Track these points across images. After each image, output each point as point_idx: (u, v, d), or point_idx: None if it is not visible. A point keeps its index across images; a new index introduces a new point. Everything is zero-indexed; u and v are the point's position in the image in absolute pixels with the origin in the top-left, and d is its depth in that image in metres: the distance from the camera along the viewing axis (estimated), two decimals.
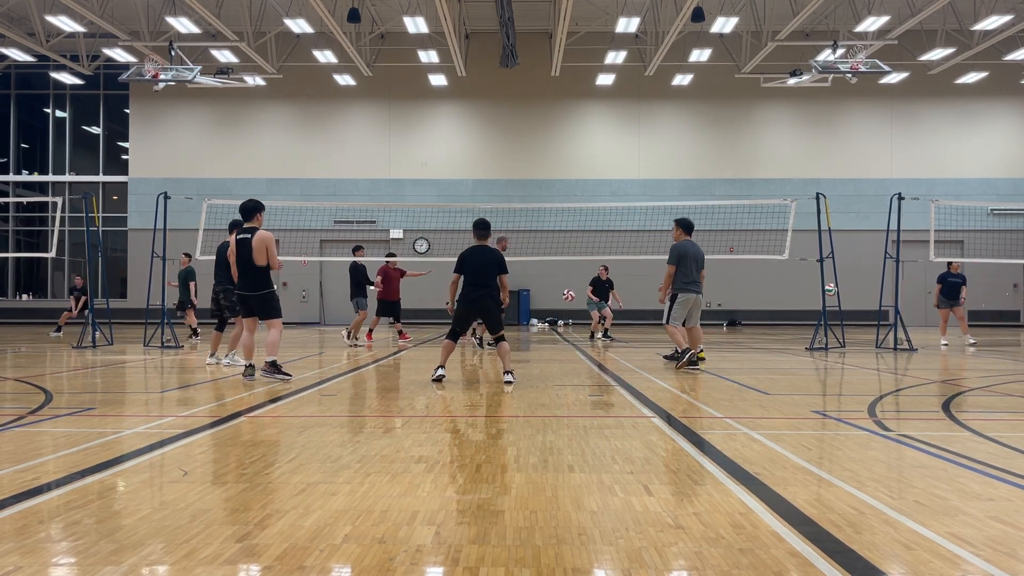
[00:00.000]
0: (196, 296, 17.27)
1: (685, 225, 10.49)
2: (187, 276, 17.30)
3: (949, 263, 16.78)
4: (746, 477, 4.26)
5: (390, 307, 15.86)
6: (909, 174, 26.77)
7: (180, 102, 27.40)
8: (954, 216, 22.83)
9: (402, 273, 16.03)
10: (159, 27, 23.33)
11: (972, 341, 16.01)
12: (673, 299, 10.33)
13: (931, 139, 27.36)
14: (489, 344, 14.05)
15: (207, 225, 16.34)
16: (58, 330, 19.96)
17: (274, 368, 8.87)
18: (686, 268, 10.25)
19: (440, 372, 8.83)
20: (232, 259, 9.14)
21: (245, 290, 8.98)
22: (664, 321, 10.52)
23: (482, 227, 8.99)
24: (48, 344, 16.26)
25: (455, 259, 9.01)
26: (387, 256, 16.79)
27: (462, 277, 8.95)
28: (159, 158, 27.48)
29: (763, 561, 2.93)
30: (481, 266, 8.73)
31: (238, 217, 9.33)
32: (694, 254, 10.35)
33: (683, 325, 10.46)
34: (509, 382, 8.62)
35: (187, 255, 17.23)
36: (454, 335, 8.95)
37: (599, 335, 17.82)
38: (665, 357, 11.73)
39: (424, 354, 13.78)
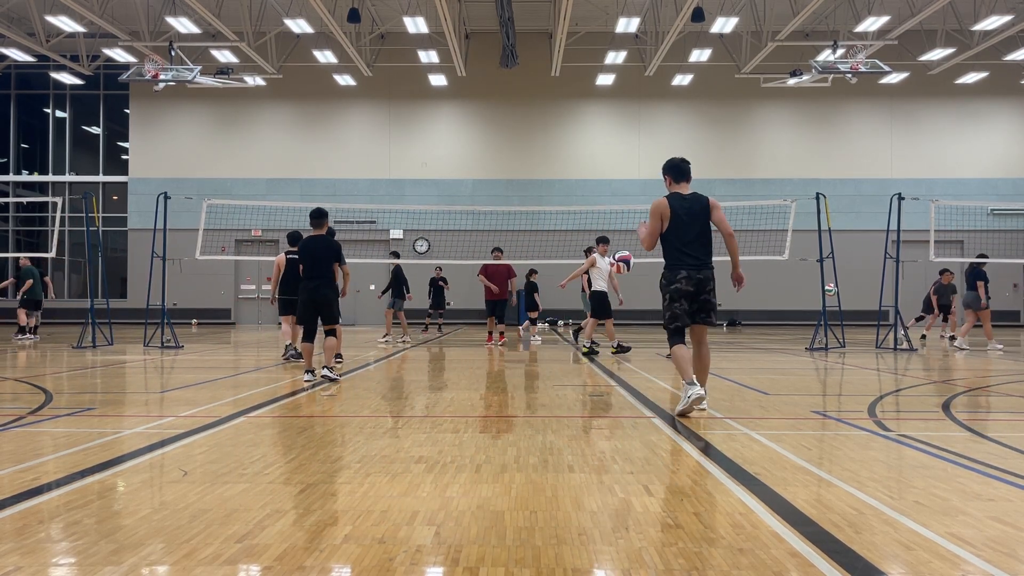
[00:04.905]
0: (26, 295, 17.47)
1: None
2: (29, 275, 17.38)
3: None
4: (746, 477, 4.26)
5: (497, 306, 15.96)
6: (909, 174, 26.77)
7: (180, 102, 27.40)
8: (954, 216, 22.83)
9: (509, 270, 16.07)
10: (159, 27, 23.33)
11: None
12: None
13: (931, 139, 27.36)
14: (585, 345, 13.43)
15: (207, 225, 16.35)
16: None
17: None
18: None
19: (308, 376, 8.80)
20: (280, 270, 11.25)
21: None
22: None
23: (317, 216, 9.04)
24: (48, 344, 16.25)
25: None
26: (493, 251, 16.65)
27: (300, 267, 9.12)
28: (159, 158, 27.48)
29: (763, 561, 2.93)
30: (314, 256, 8.83)
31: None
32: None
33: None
34: (325, 376, 8.71)
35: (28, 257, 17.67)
36: (309, 335, 8.99)
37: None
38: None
39: (424, 354, 13.79)
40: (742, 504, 3.72)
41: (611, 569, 2.87)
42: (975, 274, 15.36)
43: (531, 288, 18.89)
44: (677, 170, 6.83)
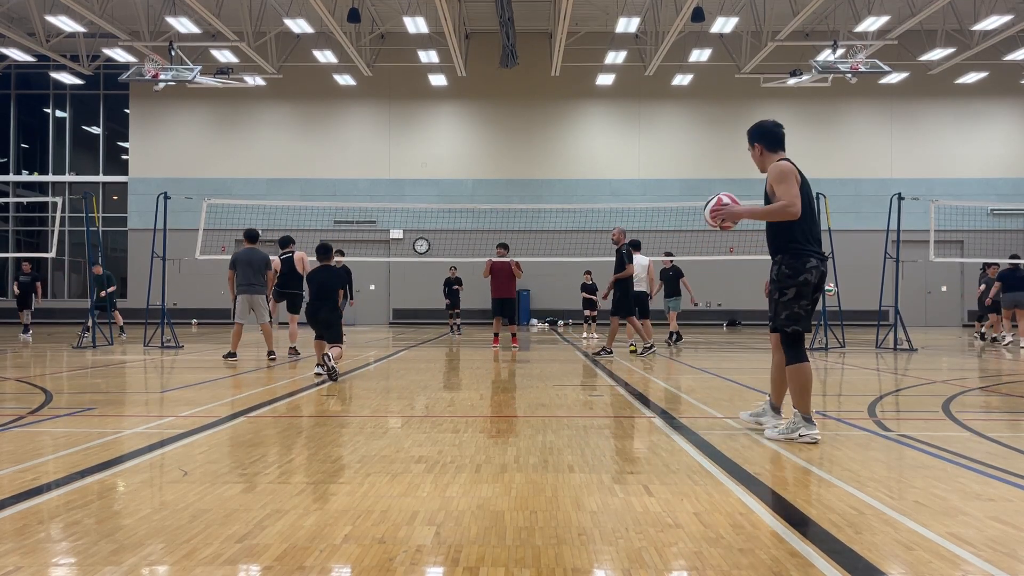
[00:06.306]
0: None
1: (249, 235, 12.08)
2: (109, 281, 17.55)
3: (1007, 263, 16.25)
4: (746, 477, 4.26)
5: (504, 305, 14.83)
6: (909, 174, 26.77)
7: (180, 102, 27.40)
8: (954, 216, 22.81)
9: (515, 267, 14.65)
10: (159, 27, 23.32)
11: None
12: (236, 300, 11.97)
13: (931, 139, 27.35)
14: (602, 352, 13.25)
15: (207, 225, 16.34)
16: (24, 329, 18.79)
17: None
18: (243, 272, 11.86)
19: (319, 369, 9.31)
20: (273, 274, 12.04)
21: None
22: (233, 319, 12.22)
23: (324, 252, 9.74)
24: (49, 344, 16.25)
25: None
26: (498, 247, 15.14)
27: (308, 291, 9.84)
28: (159, 158, 27.48)
29: (763, 561, 2.93)
30: (323, 286, 9.53)
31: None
32: (248, 260, 11.92)
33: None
34: (318, 374, 9.22)
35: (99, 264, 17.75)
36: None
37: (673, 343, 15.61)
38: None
39: (424, 354, 13.79)
40: (742, 504, 3.72)
41: (611, 569, 2.87)
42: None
43: (588, 289, 19.43)
44: (772, 136, 5.27)
